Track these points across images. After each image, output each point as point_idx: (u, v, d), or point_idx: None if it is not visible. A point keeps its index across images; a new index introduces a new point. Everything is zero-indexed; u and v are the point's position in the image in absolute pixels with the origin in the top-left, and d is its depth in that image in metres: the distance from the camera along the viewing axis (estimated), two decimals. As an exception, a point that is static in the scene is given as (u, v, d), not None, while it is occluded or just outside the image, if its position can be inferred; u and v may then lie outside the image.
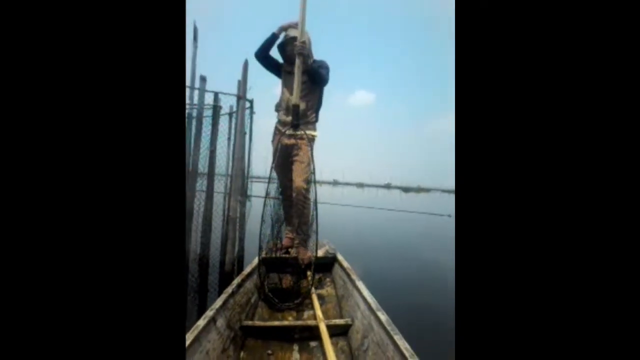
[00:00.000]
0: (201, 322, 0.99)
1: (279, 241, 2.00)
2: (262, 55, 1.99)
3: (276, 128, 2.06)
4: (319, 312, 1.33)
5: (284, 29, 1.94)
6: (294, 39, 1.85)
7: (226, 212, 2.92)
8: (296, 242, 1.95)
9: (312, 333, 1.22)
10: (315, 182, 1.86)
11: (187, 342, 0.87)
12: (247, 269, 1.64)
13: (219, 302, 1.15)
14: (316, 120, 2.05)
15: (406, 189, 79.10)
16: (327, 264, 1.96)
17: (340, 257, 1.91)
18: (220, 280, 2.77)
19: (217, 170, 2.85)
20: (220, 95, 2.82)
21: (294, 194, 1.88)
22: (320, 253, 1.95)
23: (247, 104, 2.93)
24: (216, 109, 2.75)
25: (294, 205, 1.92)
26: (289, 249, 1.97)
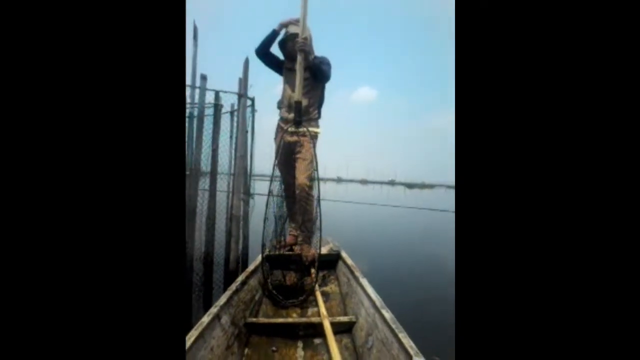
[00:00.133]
0: (205, 319, 0.99)
1: (282, 238, 2.00)
2: (263, 52, 1.97)
3: (278, 125, 2.05)
4: (323, 309, 1.33)
5: (284, 25, 1.92)
6: (295, 35, 1.83)
7: (229, 211, 2.92)
8: (300, 239, 1.95)
9: (316, 330, 1.22)
10: (318, 179, 1.85)
11: (192, 339, 0.87)
12: (251, 267, 1.64)
13: (223, 299, 1.15)
14: (318, 117, 2.04)
15: (410, 185, 78.85)
16: (331, 261, 1.95)
17: (344, 254, 1.90)
18: (225, 278, 2.79)
19: (220, 169, 2.85)
20: (221, 94, 2.81)
21: (297, 191, 1.88)
22: (324, 250, 1.94)
23: (249, 102, 2.93)
24: (217, 107, 2.75)
25: (297, 202, 1.91)
26: (293, 246, 1.97)
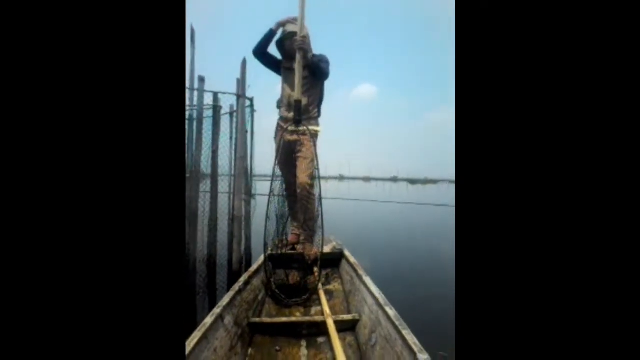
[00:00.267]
0: (208, 320, 0.99)
1: (285, 237, 2.00)
2: (260, 52, 1.97)
3: (278, 125, 2.05)
4: (326, 308, 1.33)
5: (281, 25, 1.92)
6: (293, 34, 1.83)
7: (231, 212, 2.93)
8: (302, 238, 1.95)
9: (320, 329, 1.22)
10: (319, 177, 1.85)
11: (195, 340, 0.87)
12: (254, 266, 1.64)
13: (226, 300, 1.15)
14: (318, 115, 2.03)
15: (413, 181, 78.70)
16: (334, 260, 1.95)
17: (347, 252, 1.90)
18: (228, 279, 2.79)
19: (220, 171, 2.86)
20: (220, 95, 2.81)
21: (298, 190, 1.88)
22: (327, 249, 1.94)
23: (247, 103, 2.92)
24: (216, 108, 2.75)
25: (298, 201, 1.91)
26: (295, 245, 1.97)
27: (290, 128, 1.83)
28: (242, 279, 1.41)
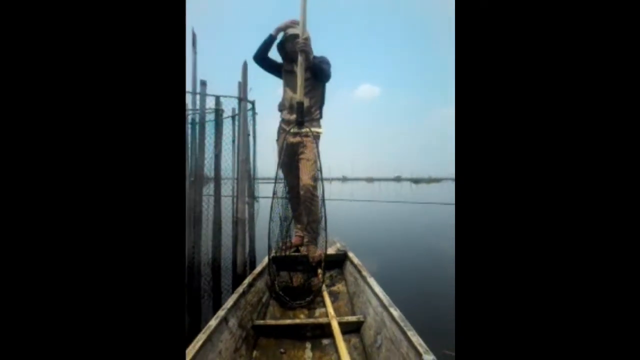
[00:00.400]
0: (213, 322, 0.99)
1: (288, 239, 2.00)
2: (261, 57, 1.98)
3: (280, 127, 2.05)
4: (330, 310, 1.32)
5: (280, 30, 1.93)
6: (294, 36, 1.84)
7: (235, 215, 2.93)
8: (306, 240, 1.95)
9: (324, 331, 1.21)
10: (322, 179, 1.84)
11: (200, 343, 0.87)
12: (258, 268, 1.64)
13: (230, 302, 1.15)
14: (320, 117, 2.04)
15: (416, 180, 78.35)
16: (338, 261, 1.94)
17: (351, 254, 1.89)
18: (233, 282, 2.80)
19: (223, 174, 2.87)
20: (222, 99, 2.83)
21: (301, 192, 1.88)
22: (331, 251, 1.93)
23: (249, 106, 2.93)
24: (218, 112, 2.76)
25: (302, 203, 1.91)
26: (299, 247, 1.97)
27: (292, 130, 1.83)
28: (246, 282, 1.41)
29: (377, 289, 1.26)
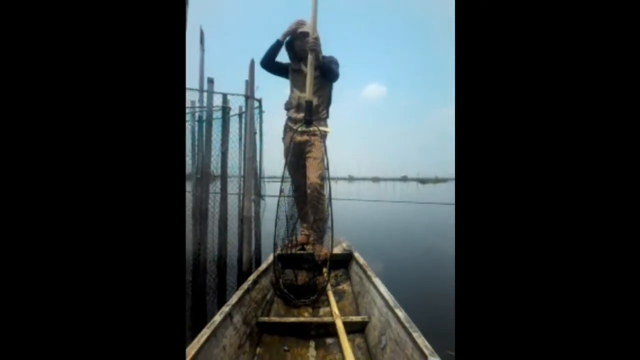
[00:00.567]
0: (217, 318, 0.99)
1: (294, 238, 2.00)
2: (269, 61, 1.99)
3: (287, 125, 2.05)
4: (335, 309, 1.32)
5: (288, 34, 1.94)
6: (304, 34, 1.84)
7: (241, 212, 2.95)
8: (312, 238, 1.94)
9: (329, 330, 1.21)
10: (329, 178, 1.84)
11: (204, 337, 0.87)
12: (263, 266, 1.64)
13: (234, 298, 1.15)
14: (327, 117, 2.04)
15: (423, 180, 77.77)
16: (343, 261, 1.94)
17: (356, 254, 1.88)
18: (238, 279, 2.81)
19: (230, 172, 2.88)
20: (229, 97, 2.84)
21: (308, 191, 1.87)
22: (337, 250, 1.93)
23: (256, 104, 2.94)
24: (225, 110, 2.77)
25: (308, 201, 1.91)
26: (305, 246, 1.97)
27: (300, 128, 1.83)
28: (251, 278, 1.41)
29: (382, 289, 1.25)
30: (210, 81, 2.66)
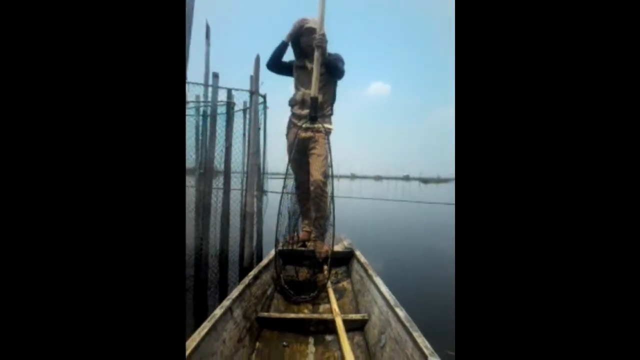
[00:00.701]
0: (218, 312, 0.99)
1: (296, 234, 2.00)
2: (275, 63, 2.00)
3: (290, 121, 2.05)
4: (335, 306, 1.32)
5: (292, 35, 1.94)
6: (311, 30, 1.83)
7: (243, 208, 2.96)
8: (313, 235, 1.95)
9: (328, 327, 1.21)
10: (332, 175, 1.84)
11: (205, 330, 0.87)
12: (264, 261, 1.65)
13: (235, 293, 1.16)
14: (331, 114, 2.03)
15: (425, 180, 77.53)
16: (344, 259, 1.94)
17: (357, 252, 1.88)
18: (240, 274, 2.83)
19: (233, 167, 2.89)
20: (233, 92, 2.84)
21: (311, 187, 1.87)
22: (338, 248, 1.93)
23: (260, 99, 2.94)
24: (230, 105, 2.77)
25: (311, 198, 1.91)
26: (306, 242, 1.97)
27: (305, 125, 1.83)
28: (252, 273, 1.41)
29: (383, 288, 1.25)
30: (216, 76, 2.66)
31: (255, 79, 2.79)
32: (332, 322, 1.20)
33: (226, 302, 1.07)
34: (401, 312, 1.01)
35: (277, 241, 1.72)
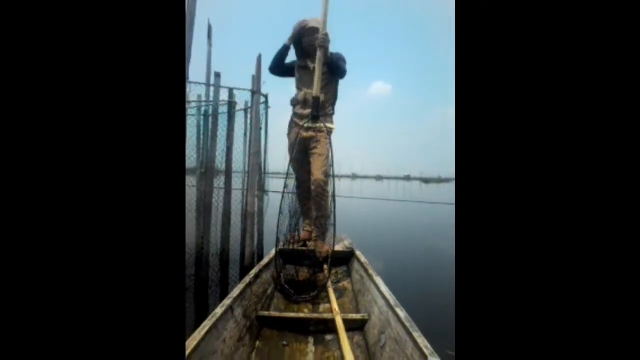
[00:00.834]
0: (219, 310, 1.00)
1: (296, 234, 2.00)
2: (277, 67, 2.01)
3: (292, 121, 2.05)
4: (335, 306, 1.32)
5: (294, 38, 1.94)
6: (313, 30, 1.83)
7: (244, 208, 2.96)
8: (314, 235, 1.95)
9: (328, 326, 1.21)
10: (333, 175, 1.84)
11: (206, 329, 0.88)
12: (265, 260, 1.65)
13: (236, 292, 1.16)
14: (333, 113, 2.04)
15: (426, 180, 77.39)
16: (345, 259, 1.94)
17: (358, 252, 1.88)
18: (240, 273, 2.83)
19: (234, 167, 2.89)
20: (235, 92, 2.84)
21: (312, 187, 1.87)
22: (338, 248, 1.93)
23: (262, 99, 2.94)
24: (231, 104, 2.78)
25: (312, 198, 1.91)
26: (307, 242, 1.97)
27: (306, 124, 1.83)
28: (253, 272, 1.42)
29: (384, 288, 1.25)
30: (217, 75, 2.67)
31: (257, 79, 2.79)
32: (332, 321, 1.20)
33: (227, 301, 1.07)
34: (401, 312, 1.01)
35: (278, 240, 1.72)
